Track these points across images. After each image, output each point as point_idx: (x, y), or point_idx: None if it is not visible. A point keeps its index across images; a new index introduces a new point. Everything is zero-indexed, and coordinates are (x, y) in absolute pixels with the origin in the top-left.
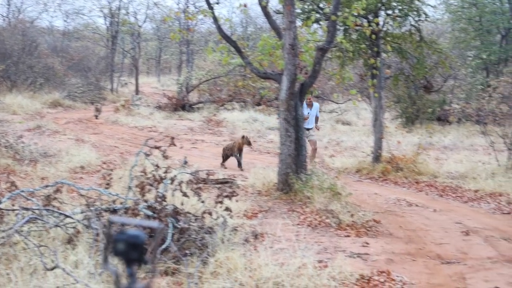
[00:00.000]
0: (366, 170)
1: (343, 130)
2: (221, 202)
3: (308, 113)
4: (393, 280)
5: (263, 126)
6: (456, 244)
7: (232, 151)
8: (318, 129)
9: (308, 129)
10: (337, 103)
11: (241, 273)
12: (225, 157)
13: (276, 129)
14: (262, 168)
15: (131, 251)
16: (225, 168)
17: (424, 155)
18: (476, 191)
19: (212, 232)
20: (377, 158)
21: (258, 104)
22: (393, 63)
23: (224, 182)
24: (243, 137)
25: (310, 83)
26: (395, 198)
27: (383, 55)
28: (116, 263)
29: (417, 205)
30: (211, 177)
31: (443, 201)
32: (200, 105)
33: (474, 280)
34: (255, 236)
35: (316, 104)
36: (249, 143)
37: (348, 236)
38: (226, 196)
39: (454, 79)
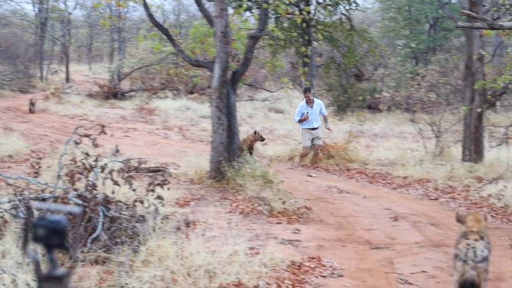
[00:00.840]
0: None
1: (275, 118)
2: (152, 191)
3: (308, 112)
4: (324, 265)
5: (196, 114)
6: (385, 230)
7: (241, 149)
8: (330, 130)
9: (312, 129)
10: (270, 91)
11: (172, 261)
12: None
13: (209, 117)
14: (194, 156)
15: (51, 236)
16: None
17: (355, 143)
18: (404, 177)
19: (143, 221)
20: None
21: (191, 92)
22: (324, 52)
23: (156, 170)
24: (255, 132)
25: (242, 71)
26: (326, 185)
27: (314, 43)
28: (37, 249)
29: (347, 192)
30: (142, 165)
31: (373, 187)
32: (132, 93)
33: (401, 264)
34: (187, 224)
35: (318, 101)
36: (262, 139)
37: (280, 223)
38: (158, 185)
39: (384, 67)
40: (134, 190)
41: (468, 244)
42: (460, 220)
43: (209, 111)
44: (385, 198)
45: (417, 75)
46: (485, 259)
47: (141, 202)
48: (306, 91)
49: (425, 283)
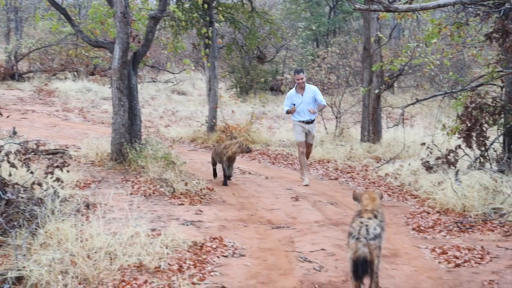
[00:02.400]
0: (201, 140)
1: (178, 100)
2: (51, 173)
3: (294, 104)
4: (225, 246)
5: (97, 96)
6: (286, 210)
7: (220, 158)
8: (312, 111)
9: (304, 122)
10: (172, 73)
11: (72, 243)
12: (214, 163)
13: (110, 99)
14: (95, 138)
15: None
16: (216, 176)
17: (257, 124)
18: None
19: (41, 203)
20: (211, 127)
21: (92, 74)
22: (226, 33)
23: (55, 152)
24: (240, 144)
25: (143, 52)
26: None
27: (216, 25)
28: None
29: (250, 173)
30: (41, 147)
31: (275, 168)
32: (31, 74)
33: (302, 243)
34: (87, 206)
35: (311, 87)
36: (248, 150)
37: (182, 204)
38: (57, 167)
39: (286, 49)
40: (32, 172)
41: (361, 222)
42: (356, 198)
43: (110, 93)
44: (286, 178)
45: (317, 57)
46: (377, 236)
47: (40, 184)
48: (297, 73)
49: (324, 260)
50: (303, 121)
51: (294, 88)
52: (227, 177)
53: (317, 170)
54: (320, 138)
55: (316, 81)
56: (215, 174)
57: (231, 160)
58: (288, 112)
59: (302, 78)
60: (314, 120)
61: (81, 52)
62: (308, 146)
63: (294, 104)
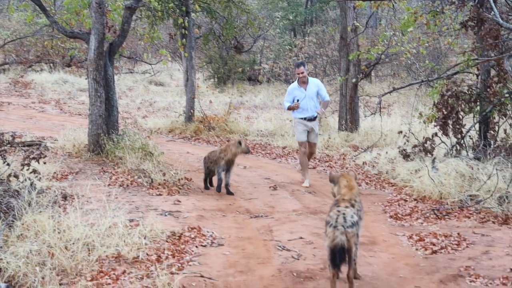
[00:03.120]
0: (178, 130)
1: (156, 91)
2: (28, 165)
3: (297, 100)
4: (204, 235)
5: (73, 87)
6: (264, 199)
7: (217, 164)
8: (320, 114)
9: (306, 120)
10: (149, 64)
11: (49, 235)
12: (208, 173)
13: (87, 90)
14: (72, 130)
15: None
16: (208, 188)
17: (235, 114)
18: (284, 147)
19: (18, 195)
20: (189, 118)
21: (68, 65)
22: (203, 23)
23: (31, 144)
24: (239, 142)
25: (119, 43)
26: None
27: (192, 14)
28: None
29: None
30: (17, 139)
31: (253, 158)
32: (6, 66)
33: (280, 232)
34: (65, 197)
35: (314, 81)
36: (247, 151)
37: (160, 194)
38: (33, 158)
39: (264, 39)
40: (8, 164)
41: (338, 211)
42: (333, 180)
43: (87, 84)
44: (265, 168)
45: (295, 47)
46: (354, 224)
47: (16, 176)
48: (298, 66)
49: (302, 249)
50: (305, 118)
51: (296, 82)
52: (227, 185)
53: (295, 160)
54: None
55: (293, 70)
56: (207, 186)
57: (229, 163)
58: (290, 108)
59: (302, 72)
60: (316, 117)
61: (57, 44)
62: (312, 146)
63: (298, 100)
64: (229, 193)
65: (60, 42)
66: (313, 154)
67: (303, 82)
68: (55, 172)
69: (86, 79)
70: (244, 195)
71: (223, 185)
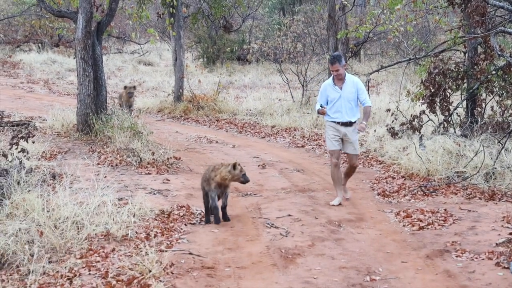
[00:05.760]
0: (168, 110)
1: (145, 71)
2: (16, 144)
3: (329, 101)
4: (193, 213)
5: (62, 67)
6: (253, 177)
7: (209, 185)
8: (362, 131)
9: (340, 124)
10: (138, 44)
11: (38, 213)
12: (207, 198)
13: (75, 70)
14: (61, 109)
15: None
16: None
17: (225, 94)
18: (273, 126)
19: (7, 174)
20: (178, 97)
21: (57, 45)
22: (191, 2)
23: (20, 124)
24: (233, 166)
25: (107, 22)
26: (196, 135)
27: None
28: None
29: (217, 142)
30: (6, 119)
31: (242, 137)
32: None
33: (268, 209)
34: (53, 177)
35: (353, 79)
36: (243, 180)
37: (149, 173)
38: (22, 138)
39: (252, 18)
40: None
41: None
42: None
43: (76, 64)
44: (253, 147)
45: (283, 26)
46: None
47: (5, 156)
48: (332, 61)
49: (291, 226)
50: (339, 122)
51: (330, 78)
52: (223, 208)
53: (284, 138)
54: (287, 107)
55: (282, 50)
56: (208, 219)
57: (221, 187)
58: (319, 112)
59: (337, 70)
60: (355, 122)
61: (45, 23)
62: (352, 158)
63: (327, 103)
64: (226, 219)
65: (48, 21)
66: (354, 168)
67: (339, 80)
68: (44, 152)
69: (74, 58)
70: None
71: (220, 213)
